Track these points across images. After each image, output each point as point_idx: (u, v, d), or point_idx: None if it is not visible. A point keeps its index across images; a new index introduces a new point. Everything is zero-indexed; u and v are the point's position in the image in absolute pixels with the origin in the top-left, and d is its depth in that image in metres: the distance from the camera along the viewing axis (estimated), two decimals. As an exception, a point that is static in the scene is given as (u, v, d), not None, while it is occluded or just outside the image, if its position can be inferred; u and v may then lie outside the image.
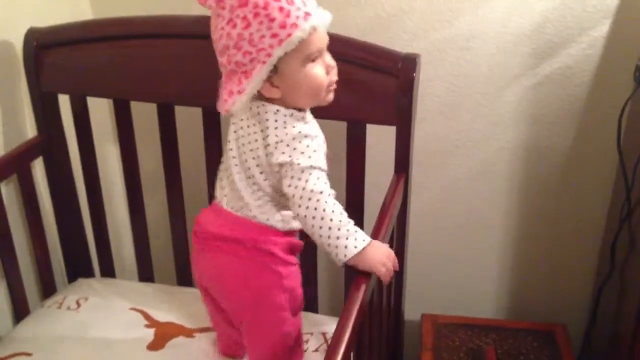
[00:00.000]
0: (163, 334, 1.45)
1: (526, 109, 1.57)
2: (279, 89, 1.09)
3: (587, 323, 1.69)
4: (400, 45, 1.49)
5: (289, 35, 1.03)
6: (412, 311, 1.76)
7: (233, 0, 1.03)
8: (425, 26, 1.52)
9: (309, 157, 1.08)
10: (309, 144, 1.09)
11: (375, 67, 1.34)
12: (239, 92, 1.08)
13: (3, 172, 1.45)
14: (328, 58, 1.11)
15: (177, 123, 1.53)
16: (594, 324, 1.64)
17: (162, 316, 1.50)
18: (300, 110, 1.13)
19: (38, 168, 1.60)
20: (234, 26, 1.03)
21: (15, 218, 1.54)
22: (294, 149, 1.08)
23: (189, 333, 1.45)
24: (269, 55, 1.04)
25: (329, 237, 1.05)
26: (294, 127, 1.10)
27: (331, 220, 1.05)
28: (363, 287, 1.03)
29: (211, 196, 1.26)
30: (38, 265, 1.59)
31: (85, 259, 1.71)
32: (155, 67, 1.45)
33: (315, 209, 1.05)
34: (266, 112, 1.11)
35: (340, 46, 1.23)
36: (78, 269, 1.70)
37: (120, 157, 1.60)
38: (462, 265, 1.77)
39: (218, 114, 1.23)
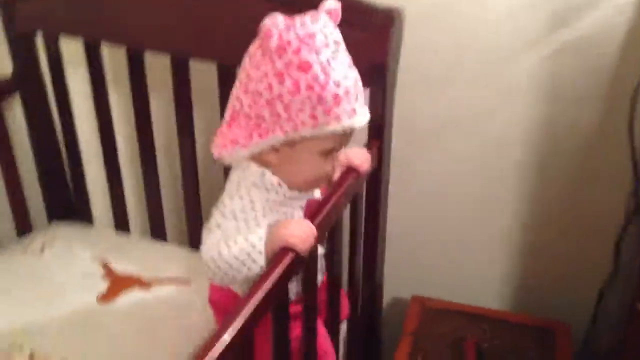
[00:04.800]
0: (117, 286, 1.46)
1: (541, 82, 1.44)
2: (277, 155, 1.05)
3: (588, 324, 1.57)
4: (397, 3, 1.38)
5: (327, 124, 0.99)
6: (404, 293, 1.68)
7: (294, 58, 0.97)
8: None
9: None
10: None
11: (348, 21, 1.24)
12: (244, 146, 1.04)
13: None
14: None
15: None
16: (594, 325, 1.52)
17: (122, 268, 1.51)
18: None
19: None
20: (281, 83, 0.97)
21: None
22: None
23: (145, 285, 1.46)
24: (295, 129, 1.00)
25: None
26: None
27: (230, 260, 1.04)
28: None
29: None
30: (11, 205, 1.62)
31: (64, 202, 1.72)
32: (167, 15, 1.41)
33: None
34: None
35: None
36: (57, 211, 1.72)
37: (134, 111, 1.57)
38: (465, 250, 1.67)
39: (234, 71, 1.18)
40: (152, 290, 1.44)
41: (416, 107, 1.48)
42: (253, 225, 1.07)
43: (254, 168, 1.07)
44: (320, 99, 0.97)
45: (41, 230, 1.66)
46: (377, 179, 1.36)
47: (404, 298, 1.69)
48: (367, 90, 1.28)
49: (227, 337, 0.84)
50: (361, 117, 1.03)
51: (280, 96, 0.98)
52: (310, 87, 0.97)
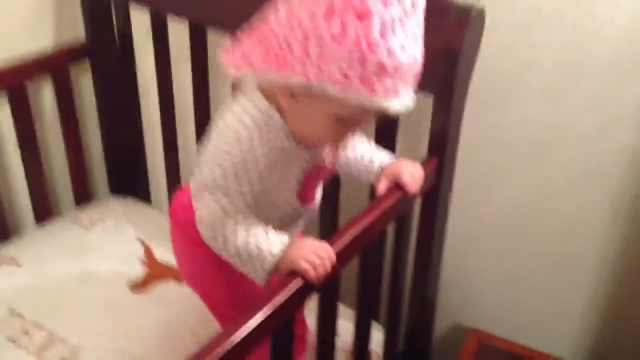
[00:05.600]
0: (153, 274, 1.41)
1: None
2: (292, 102, 0.89)
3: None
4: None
5: (357, 92, 0.82)
6: (462, 320, 1.52)
7: (357, 2, 0.79)
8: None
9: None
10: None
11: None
12: (254, 68, 0.87)
13: (35, 70, 1.46)
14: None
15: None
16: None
17: (163, 255, 1.45)
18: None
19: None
20: (327, 20, 0.79)
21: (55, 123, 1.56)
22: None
23: (181, 278, 1.38)
24: (320, 80, 0.82)
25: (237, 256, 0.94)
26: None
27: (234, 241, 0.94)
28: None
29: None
30: (71, 174, 1.60)
31: (126, 177, 1.69)
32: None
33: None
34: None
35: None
36: (119, 185, 1.69)
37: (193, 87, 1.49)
38: (542, 285, 1.47)
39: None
40: (186, 285, 1.36)
41: (492, 125, 1.30)
42: (257, 186, 0.94)
43: (263, 101, 0.92)
44: (363, 60, 0.80)
45: (99, 203, 1.64)
46: (434, 199, 1.20)
47: (461, 325, 1.52)
48: (431, 97, 1.13)
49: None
50: (401, 102, 0.85)
51: (319, 35, 0.80)
52: (357, 41, 0.79)
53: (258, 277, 0.93)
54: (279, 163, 0.94)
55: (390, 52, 0.80)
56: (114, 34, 1.53)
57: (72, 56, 1.54)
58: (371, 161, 1.09)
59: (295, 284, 0.88)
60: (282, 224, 1.03)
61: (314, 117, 0.89)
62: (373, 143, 1.13)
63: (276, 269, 0.92)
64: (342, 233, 0.96)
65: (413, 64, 0.84)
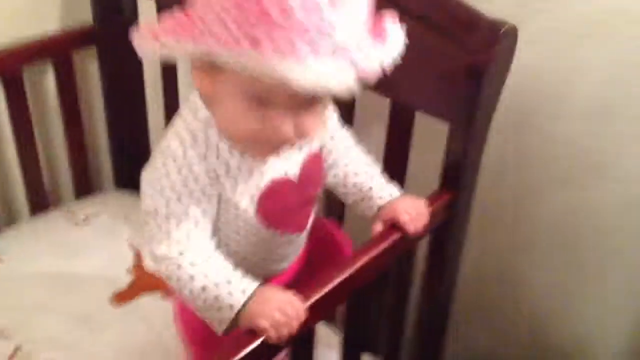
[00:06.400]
0: (139, 285, 1.31)
1: None
2: (210, 85, 0.75)
3: None
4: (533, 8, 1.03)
5: (244, 51, 0.66)
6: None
7: None
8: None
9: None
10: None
11: (443, 31, 0.94)
12: (156, 38, 0.73)
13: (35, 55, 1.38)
14: (287, 121, 0.73)
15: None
16: None
17: (154, 262, 1.33)
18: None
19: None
20: None
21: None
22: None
23: (169, 294, 1.27)
24: (204, 38, 0.69)
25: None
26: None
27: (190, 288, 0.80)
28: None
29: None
30: (70, 165, 1.52)
31: (129, 169, 1.58)
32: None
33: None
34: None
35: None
36: (123, 178, 1.60)
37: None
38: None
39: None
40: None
41: (523, 146, 1.14)
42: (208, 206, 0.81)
43: (203, 110, 0.79)
44: (240, 5, 0.65)
45: (99, 197, 1.55)
46: (444, 235, 1.05)
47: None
48: (447, 125, 0.98)
49: None
50: (311, 71, 0.66)
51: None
52: None
53: (216, 328, 0.81)
54: (226, 180, 0.81)
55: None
56: (122, 20, 1.42)
57: (77, 41, 1.44)
58: (370, 194, 0.95)
59: (252, 344, 0.76)
60: (261, 256, 0.91)
61: (231, 104, 0.74)
62: (378, 170, 0.98)
63: (236, 322, 0.79)
64: (319, 283, 0.83)
65: (317, 20, 0.65)
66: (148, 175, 0.82)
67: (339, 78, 0.68)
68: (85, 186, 1.55)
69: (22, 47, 1.35)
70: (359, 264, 0.87)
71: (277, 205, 0.87)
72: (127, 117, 1.53)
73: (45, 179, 1.48)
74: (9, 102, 1.36)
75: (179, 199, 0.79)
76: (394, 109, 1.08)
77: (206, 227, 0.82)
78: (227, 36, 0.66)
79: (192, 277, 0.79)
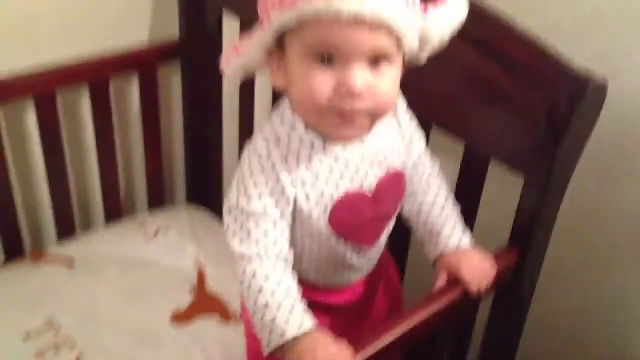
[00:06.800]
0: (199, 306, 1.30)
1: None
2: (283, 77, 0.81)
3: None
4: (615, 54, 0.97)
5: (292, 3, 0.73)
6: None
7: None
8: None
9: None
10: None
11: (525, 73, 0.89)
12: (237, 51, 0.82)
13: (122, 65, 1.42)
14: (358, 73, 0.75)
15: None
16: None
17: (215, 282, 1.35)
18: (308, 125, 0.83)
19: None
20: None
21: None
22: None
23: (226, 318, 1.28)
24: (266, 16, 0.77)
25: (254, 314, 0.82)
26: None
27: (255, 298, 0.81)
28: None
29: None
30: (147, 176, 1.55)
31: (203, 185, 1.60)
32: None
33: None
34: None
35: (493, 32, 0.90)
36: (196, 192, 1.62)
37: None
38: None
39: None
40: (230, 326, 1.25)
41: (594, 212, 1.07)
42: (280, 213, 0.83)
43: (287, 112, 0.84)
44: None
45: (170, 209, 1.57)
46: (509, 300, 0.99)
47: None
48: (522, 176, 0.93)
49: None
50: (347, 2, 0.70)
51: None
52: None
53: (263, 346, 0.81)
54: (302, 187, 0.83)
55: None
56: (206, 37, 1.44)
57: (163, 54, 1.47)
58: (439, 237, 0.92)
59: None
60: (332, 263, 0.90)
61: (299, 69, 0.77)
62: (456, 210, 0.95)
63: (282, 351, 0.79)
64: (374, 337, 0.80)
65: None
66: (237, 174, 0.85)
67: None
68: (158, 197, 1.58)
69: (111, 57, 1.39)
70: (415, 319, 0.84)
71: (348, 217, 0.87)
72: (204, 133, 1.54)
73: (121, 187, 1.51)
74: (94, 109, 1.40)
75: (259, 197, 0.81)
76: (468, 152, 1.04)
77: (284, 230, 0.84)
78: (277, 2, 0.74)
79: (260, 290, 0.80)
